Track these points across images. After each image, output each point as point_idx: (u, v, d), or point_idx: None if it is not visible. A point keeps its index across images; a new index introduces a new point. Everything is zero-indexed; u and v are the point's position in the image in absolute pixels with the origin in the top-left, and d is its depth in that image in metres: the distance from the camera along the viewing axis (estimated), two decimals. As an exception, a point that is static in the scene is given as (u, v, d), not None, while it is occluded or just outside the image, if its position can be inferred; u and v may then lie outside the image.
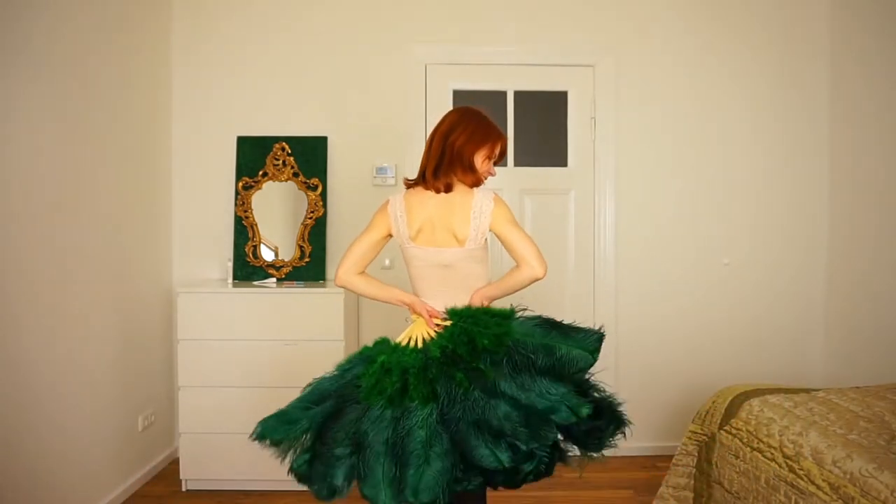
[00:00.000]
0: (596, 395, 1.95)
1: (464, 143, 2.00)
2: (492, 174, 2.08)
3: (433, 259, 2.02)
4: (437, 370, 1.85)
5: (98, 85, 2.92)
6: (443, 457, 1.74)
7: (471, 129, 2.02)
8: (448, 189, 2.00)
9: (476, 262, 2.03)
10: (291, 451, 1.88)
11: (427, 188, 2.03)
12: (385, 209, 2.08)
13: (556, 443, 1.88)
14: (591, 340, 1.90)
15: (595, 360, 1.88)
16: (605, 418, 1.92)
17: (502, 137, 2.08)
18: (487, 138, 2.03)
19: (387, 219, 2.06)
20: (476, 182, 2.02)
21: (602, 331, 1.93)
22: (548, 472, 1.89)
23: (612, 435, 1.94)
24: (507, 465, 1.73)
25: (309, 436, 1.87)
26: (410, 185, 2.08)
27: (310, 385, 1.95)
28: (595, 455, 1.94)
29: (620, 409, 1.97)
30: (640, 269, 3.71)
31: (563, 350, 1.83)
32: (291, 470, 1.89)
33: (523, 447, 1.74)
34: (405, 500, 1.73)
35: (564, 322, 1.96)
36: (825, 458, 2.07)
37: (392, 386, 1.82)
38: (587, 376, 1.94)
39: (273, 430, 1.86)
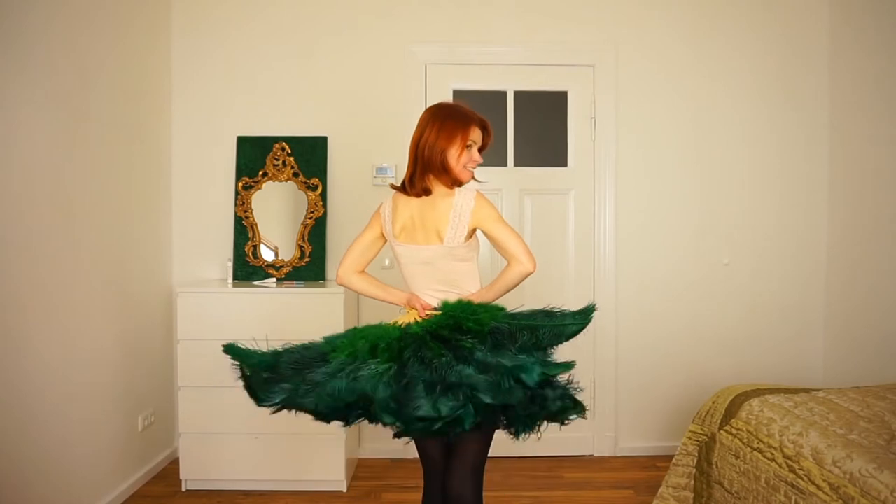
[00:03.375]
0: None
1: (432, 145, 2.00)
2: (477, 161, 2.06)
3: (414, 256, 2.06)
4: (410, 339, 1.89)
5: (97, 85, 2.92)
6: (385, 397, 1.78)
7: (436, 130, 2.01)
8: (427, 193, 2.03)
9: (458, 260, 2.04)
10: (244, 369, 1.98)
11: (408, 194, 2.06)
12: (378, 210, 2.15)
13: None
14: (578, 312, 1.91)
15: (586, 321, 1.89)
16: (555, 391, 1.87)
17: (472, 124, 2.04)
18: (455, 134, 2.01)
19: (379, 219, 2.14)
20: (454, 181, 2.03)
21: (592, 304, 1.94)
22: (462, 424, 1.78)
23: (559, 412, 1.88)
24: (444, 414, 1.71)
25: (266, 372, 1.96)
26: (397, 189, 2.12)
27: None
28: (524, 433, 1.89)
29: (574, 393, 1.91)
30: (640, 268, 3.71)
31: (547, 329, 1.86)
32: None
33: (487, 399, 1.72)
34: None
35: (554, 308, 1.96)
36: (825, 458, 2.07)
37: (361, 345, 1.89)
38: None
39: (240, 354, 1.99)
